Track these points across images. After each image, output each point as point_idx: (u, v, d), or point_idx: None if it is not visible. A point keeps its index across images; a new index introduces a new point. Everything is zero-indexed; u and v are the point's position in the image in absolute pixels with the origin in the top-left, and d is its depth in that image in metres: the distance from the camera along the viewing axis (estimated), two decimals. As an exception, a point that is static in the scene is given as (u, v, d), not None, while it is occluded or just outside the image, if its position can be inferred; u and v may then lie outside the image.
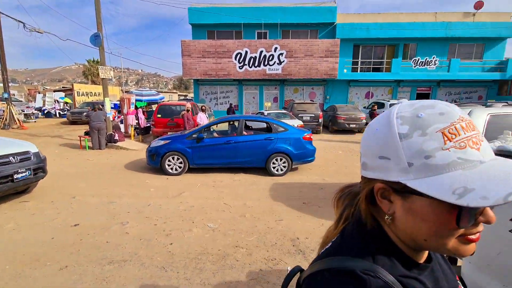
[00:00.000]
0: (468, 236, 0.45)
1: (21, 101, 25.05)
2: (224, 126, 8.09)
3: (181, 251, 3.16)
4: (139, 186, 5.55)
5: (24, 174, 4.46)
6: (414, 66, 17.06)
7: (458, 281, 0.62)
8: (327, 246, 0.58)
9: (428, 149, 0.43)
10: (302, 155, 6.33)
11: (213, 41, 16.39)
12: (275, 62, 16.15)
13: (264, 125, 7.18)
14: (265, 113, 11.17)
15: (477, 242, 0.46)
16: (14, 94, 24.97)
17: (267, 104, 17.99)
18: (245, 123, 7.05)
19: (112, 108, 12.98)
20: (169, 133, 9.00)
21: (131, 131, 10.91)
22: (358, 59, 18.31)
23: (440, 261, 0.61)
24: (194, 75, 16.61)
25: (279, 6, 17.20)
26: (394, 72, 16.92)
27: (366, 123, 10.91)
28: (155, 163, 6.30)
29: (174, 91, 53.53)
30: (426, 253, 0.56)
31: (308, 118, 12.25)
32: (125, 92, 22.61)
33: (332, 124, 13.03)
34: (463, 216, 0.42)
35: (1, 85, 15.02)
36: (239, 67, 16.31)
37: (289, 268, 2.82)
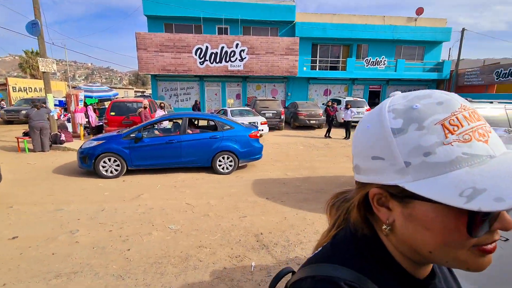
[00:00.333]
0: (483, 247, 0.38)
1: None
2: (169, 125, 7.76)
3: (139, 257, 2.98)
4: (91, 190, 5.11)
5: None
6: (366, 66, 18.35)
7: None
8: (316, 251, 0.54)
9: (426, 144, 0.37)
10: (249, 153, 6.33)
11: (171, 34, 15.67)
12: (236, 58, 16.04)
13: (211, 123, 7.04)
14: (228, 110, 11.07)
15: (493, 253, 0.39)
16: None
17: (230, 101, 17.84)
18: (190, 121, 6.85)
19: (56, 105, 11.75)
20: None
21: (81, 130, 9.97)
22: (317, 57, 19.09)
23: (446, 276, 0.54)
24: (151, 70, 15.73)
25: (239, 2, 17.08)
26: (349, 71, 18.01)
27: (332, 119, 11.41)
28: (87, 165, 5.78)
29: (130, 87, 50.17)
30: (429, 267, 0.49)
31: (271, 114, 12.46)
32: (72, 87, 20.56)
33: (294, 120, 13.43)
34: (475, 223, 0.36)
35: None
36: (200, 62, 15.87)
37: (254, 264, 2.85)
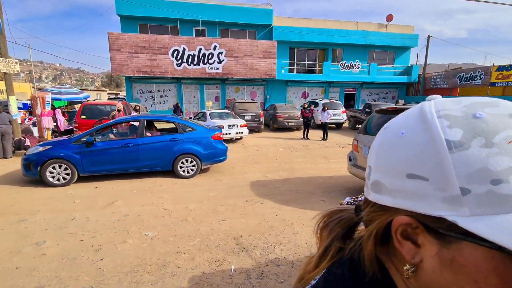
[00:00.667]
0: None
1: None
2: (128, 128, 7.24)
3: (113, 266, 2.85)
4: (60, 199, 4.81)
5: None
6: (342, 69, 19.00)
7: None
8: None
9: (497, 168, 0.28)
10: (212, 155, 6.24)
11: (147, 35, 15.25)
12: (215, 60, 15.94)
13: (171, 125, 6.79)
14: (207, 112, 10.95)
15: None
16: None
17: (208, 104, 17.66)
18: (149, 123, 6.60)
19: (20, 108, 10.99)
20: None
21: (48, 135, 9.37)
22: (294, 60, 19.47)
23: None
24: (126, 72, 15.19)
25: (217, 4, 17.02)
26: (326, 74, 18.55)
27: (308, 121, 11.64)
28: (33, 173, 5.36)
29: (103, 89, 48.00)
30: None
31: (250, 117, 12.49)
32: (38, 89, 19.31)
33: (273, 123, 13.56)
34: None
35: None
36: (177, 64, 15.57)
37: (233, 267, 2.82)
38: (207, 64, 15.88)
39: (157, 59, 15.26)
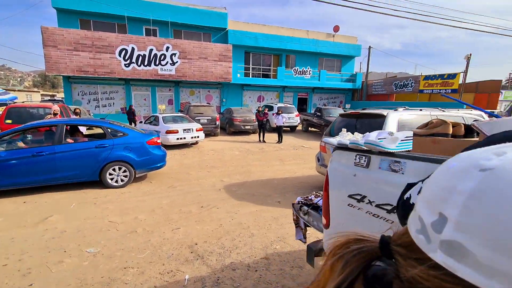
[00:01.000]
0: None
1: None
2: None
3: (46, 292, 2.48)
4: (-24, 218, 4.05)
5: None
6: (295, 75, 19.88)
7: None
8: None
9: None
10: (148, 161, 5.78)
11: (89, 32, 13.92)
12: (167, 62, 15.27)
13: (99, 130, 6.20)
14: (160, 116, 10.40)
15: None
16: None
17: (161, 107, 16.75)
18: (73, 129, 6.01)
19: None
20: None
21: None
22: (250, 65, 19.74)
23: None
24: (64, 71, 13.62)
25: (169, 4, 16.39)
26: (280, 79, 19.19)
27: (262, 124, 11.82)
28: None
29: (36, 89, 42.30)
30: None
31: (205, 120, 12.24)
32: (-50, 89, 16.19)
33: (229, 126, 13.50)
34: None
35: None
36: (125, 65, 14.52)
37: (187, 277, 2.69)
38: (159, 66, 15.14)
39: (102, 58, 14.04)
